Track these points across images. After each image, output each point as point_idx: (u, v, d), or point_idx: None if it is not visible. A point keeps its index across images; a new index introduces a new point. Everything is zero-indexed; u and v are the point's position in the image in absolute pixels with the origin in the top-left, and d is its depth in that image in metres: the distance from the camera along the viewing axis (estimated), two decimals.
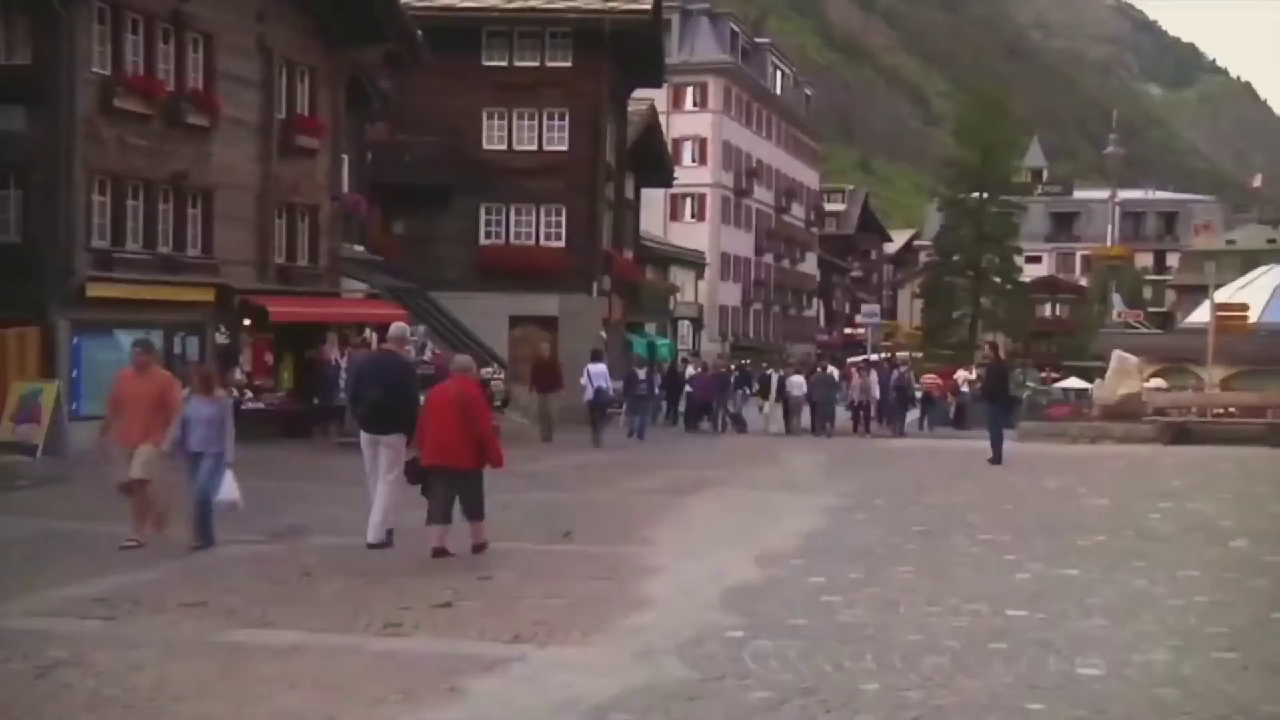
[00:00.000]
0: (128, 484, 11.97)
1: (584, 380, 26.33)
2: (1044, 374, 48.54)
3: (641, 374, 29.45)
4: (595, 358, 27.09)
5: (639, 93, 40.10)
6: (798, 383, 31.08)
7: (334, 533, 12.88)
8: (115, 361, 21.81)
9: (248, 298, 23.45)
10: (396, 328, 12.42)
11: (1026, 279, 76.44)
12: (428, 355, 25.50)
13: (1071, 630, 8.53)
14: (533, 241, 34.52)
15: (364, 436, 11.84)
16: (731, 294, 65.98)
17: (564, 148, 34.21)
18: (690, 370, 33.07)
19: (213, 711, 6.75)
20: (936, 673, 7.41)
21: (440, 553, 10.96)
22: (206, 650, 7.97)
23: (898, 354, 53.83)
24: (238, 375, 23.51)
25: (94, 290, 20.35)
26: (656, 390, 32.10)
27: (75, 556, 11.48)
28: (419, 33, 27.42)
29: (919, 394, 34.46)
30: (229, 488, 11.96)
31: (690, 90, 62.64)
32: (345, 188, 28.59)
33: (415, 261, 33.54)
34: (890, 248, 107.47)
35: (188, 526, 11.88)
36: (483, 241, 34.58)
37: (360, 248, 30.79)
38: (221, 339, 23.12)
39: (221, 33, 23.06)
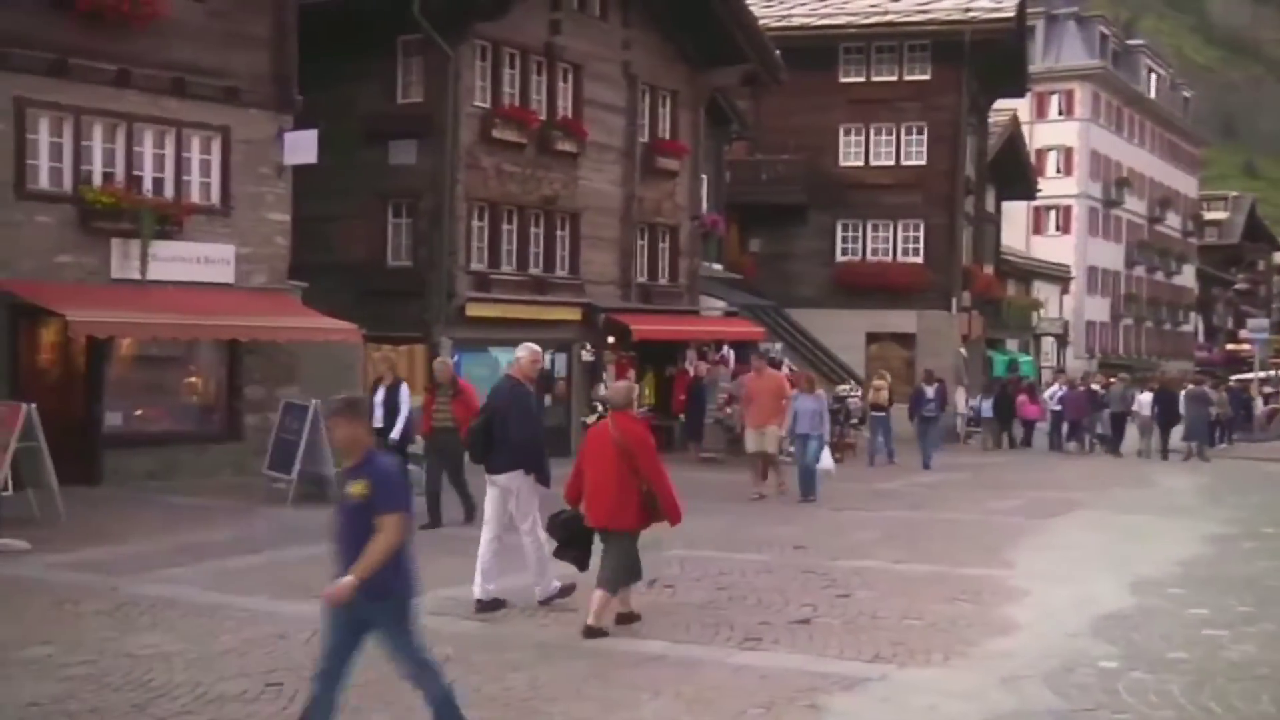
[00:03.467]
0: (758, 454, 17.38)
1: None
2: None
3: (930, 392, 25.05)
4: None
5: (1000, 103, 38.90)
6: (1145, 401, 28.95)
7: (694, 546, 13.14)
8: (491, 378, 23.21)
9: (612, 316, 24.33)
10: (520, 348, 9.99)
11: None
12: (785, 373, 25.63)
13: None
14: (890, 258, 34.08)
15: (485, 476, 9.91)
16: (1099, 309, 62.75)
17: (922, 162, 33.62)
18: (1056, 388, 31.52)
19: (583, 714, 7.04)
20: None
21: (629, 618, 9.10)
22: (575, 655, 8.32)
23: None
24: (601, 391, 24.43)
25: (472, 310, 21.71)
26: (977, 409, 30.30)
27: (454, 559, 12.24)
28: (777, 52, 27.70)
29: None
30: (826, 460, 17.63)
31: (1055, 98, 60.15)
32: (704, 207, 29.22)
33: (771, 279, 33.87)
34: None
35: (797, 486, 17.17)
36: (839, 258, 34.46)
37: (718, 266, 31.37)
38: (587, 356, 24.09)
39: (590, 62, 24.13)
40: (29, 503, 13.36)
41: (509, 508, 9.66)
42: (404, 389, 15.16)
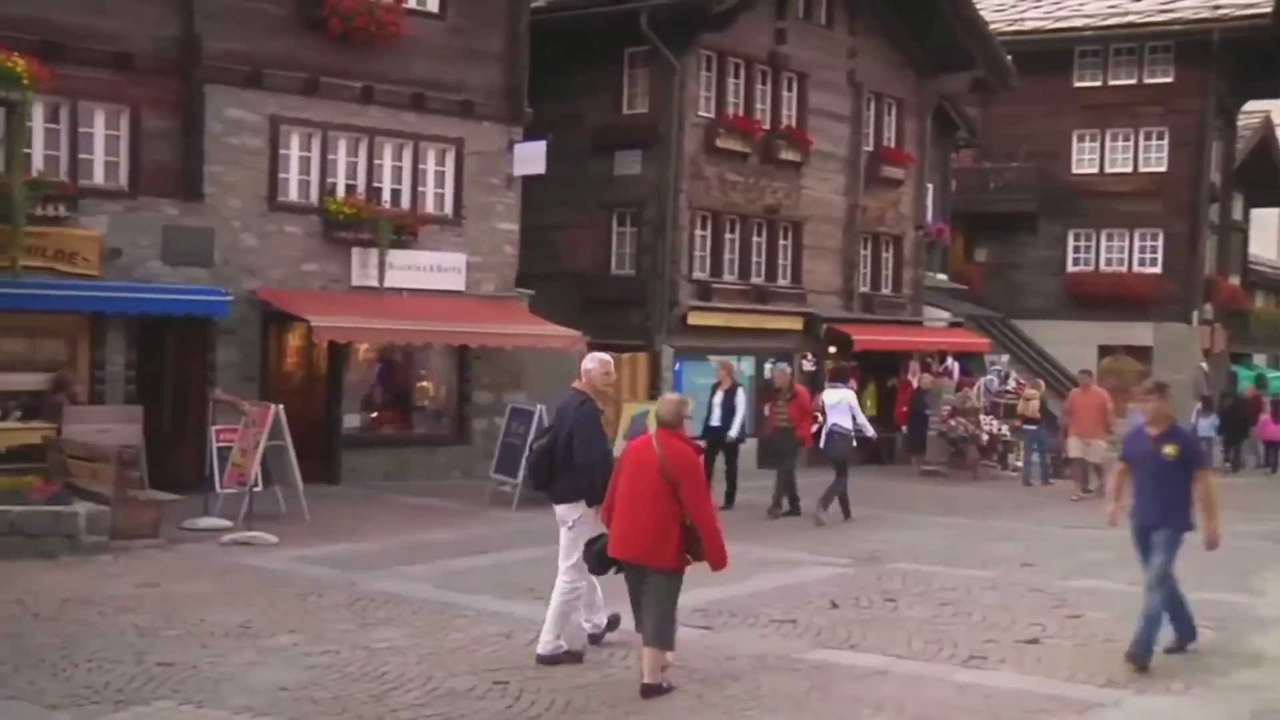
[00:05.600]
0: (1071, 460, 20.06)
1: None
2: None
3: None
4: (834, 378, 18.57)
5: (1251, 104, 36.88)
6: None
7: (916, 560, 12.93)
8: (710, 386, 23.33)
9: (833, 326, 24.13)
10: (589, 359, 8.63)
11: None
12: (1011, 385, 24.92)
13: None
14: (1125, 268, 32.77)
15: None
16: None
17: (1162, 168, 32.20)
18: None
19: None
20: None
21: (653, 690, 7.51)
22: (796, 666, 8.28)
23: None
24: (820, 402, 24.15)
25: (694, 319, 21.85)
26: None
27: None
28: (1008, 57, 26.99)
29: None
30: None
31: None
32: (929, 216, 28.69)
33: (998, 289, 33.04)
34: None
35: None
36: (1070, 268, 33.33)
37: (943, 276, 30.74)
38: (808, 366, 23.93)
39: (815, 70, 23.98)
40: (276, 498, 14.11)
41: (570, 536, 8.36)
42: (740, 393, 17.03)
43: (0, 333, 14.69)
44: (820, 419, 16.94)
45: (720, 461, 16.70)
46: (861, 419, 16.92)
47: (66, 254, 15.37)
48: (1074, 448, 19.94)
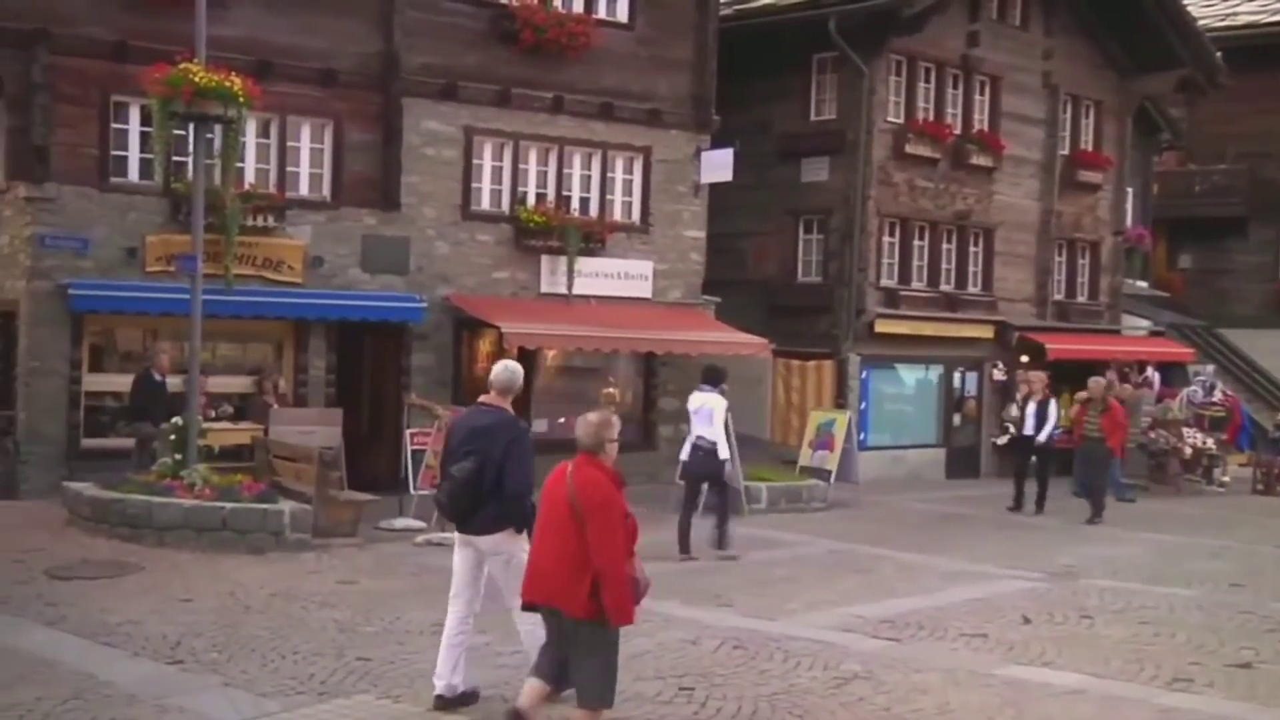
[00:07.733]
0: None
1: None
2: None
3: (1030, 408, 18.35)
4: (705, 379, 13.89)
5: None
6: None
7: (1114, 576, 12.50)
8: (897, 395, 23.10)
9: (1025, 334, 23.50)
10: (500, 371, 7.76)
11: None
12: (1217, 396, 23.84)
13: None
14: None
15: (456, 535, 7.50)
16: None
17: None
18: None
19: None
20: None
21: (517, 718, 6.45)
22: (987, 682, 8.09)
23: None
24: (1013, 412, 23.53)
25: (882, 326, 21.55)
26: None
27: (861, 577, 12.20)
28: (1218, 54, 25.85)
29: None
30: None
31: None
32: (1128, 221, 27.70)
33: (1203, 297, 31.60)
34: None
35: None
36: None
37: (1143, 283, 29.61)
38: (999, 375, 23.37)
39: (1008, 73, 23.40)
40: None
41: (491, 573, 7.38)
42: (1053, 403, 18.33)
43: (214, 338, 15.44)
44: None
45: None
46: (719, 433, 13.33)
47: (274, 262, 16.11)
48: None
